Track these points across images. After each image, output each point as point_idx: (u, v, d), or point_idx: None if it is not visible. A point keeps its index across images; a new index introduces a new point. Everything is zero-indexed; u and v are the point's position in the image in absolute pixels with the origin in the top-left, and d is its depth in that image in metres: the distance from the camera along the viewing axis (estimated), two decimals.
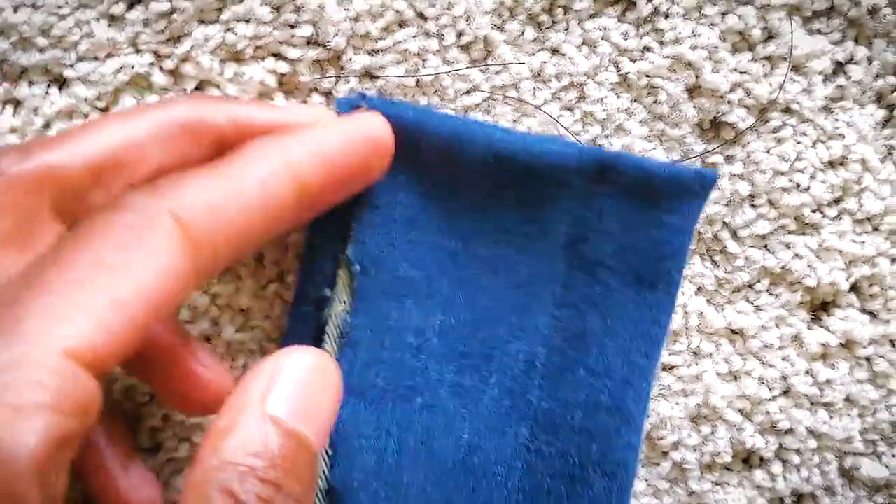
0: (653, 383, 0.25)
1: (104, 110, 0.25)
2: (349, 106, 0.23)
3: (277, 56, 0.25)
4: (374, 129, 0.22)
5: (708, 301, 0.27)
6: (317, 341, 0.24)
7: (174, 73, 0.25)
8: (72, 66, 0.24)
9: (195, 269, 0.17)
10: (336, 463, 0.23)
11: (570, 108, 0.26)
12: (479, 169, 0.24)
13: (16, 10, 0.24)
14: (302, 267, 0.24)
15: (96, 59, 0.24)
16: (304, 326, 0.24)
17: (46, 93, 0.24)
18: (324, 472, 0.23)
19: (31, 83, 0.24)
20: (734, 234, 0.27)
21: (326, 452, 0.23)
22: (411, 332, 0.24)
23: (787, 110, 0.26)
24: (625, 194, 0.24)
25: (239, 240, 0.18)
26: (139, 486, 0.23)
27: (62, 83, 0.25)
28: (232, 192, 0.18)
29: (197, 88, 0.25)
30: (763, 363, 0.27)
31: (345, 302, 0.24)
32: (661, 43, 0.26)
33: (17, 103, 0.25)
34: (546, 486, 0.25)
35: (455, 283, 0.25)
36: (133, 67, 0.24)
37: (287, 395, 0.18)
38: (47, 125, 0.24)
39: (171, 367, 0.22)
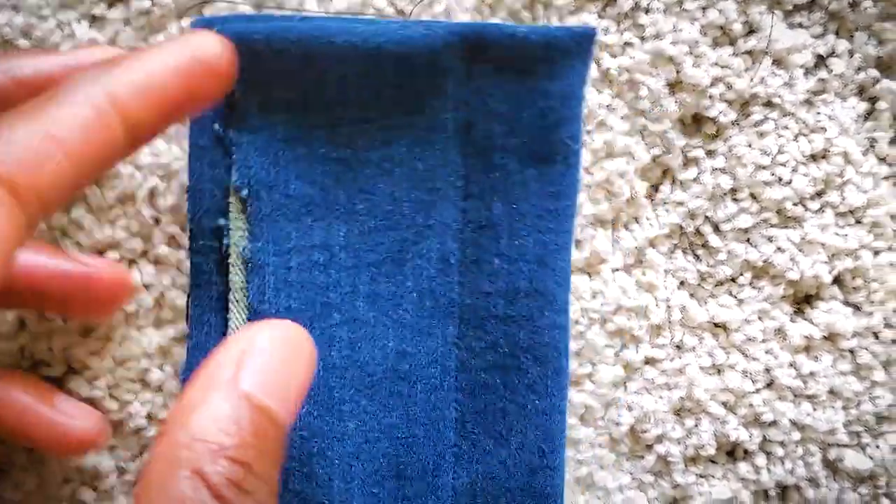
0: (570, 262, 0.25)
1: None
2: (204, 27, 0.22)
3: None
4: (203, 48, 0.19)
5: (691, 295, 0.27)
6: (222, 272, 0.24)
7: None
8: None
9: (26, 224, 0.16)
10: None
11: None
12: (352, 70, 0.23)
13: None
14: (190, 200, 0.24)
15: None
16: (206, 260, 0.24)
17: None
18: None
19: None
20: (716, 228, 0.27)
21: None
22: (316, 249, 0.24)
23: (769, 104, 0.26)
24: (501, 69, 0.23)
25: (67, 185, 0.17)
26: (72, 416, 0.24)
27: None
28: (54, 137, 0.17)
29: None
30: (746, 356, 0.27)
31: (242, 228, 0.24)
32: (642, 38, 0.26)
33: None
34: (482, 381, 0.25)
35: (352, 192, 0.24)
36: None
37: (259, 370, 0.17)
38: None
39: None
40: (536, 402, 0.25)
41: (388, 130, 0.24)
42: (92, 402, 0.25)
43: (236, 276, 0.24)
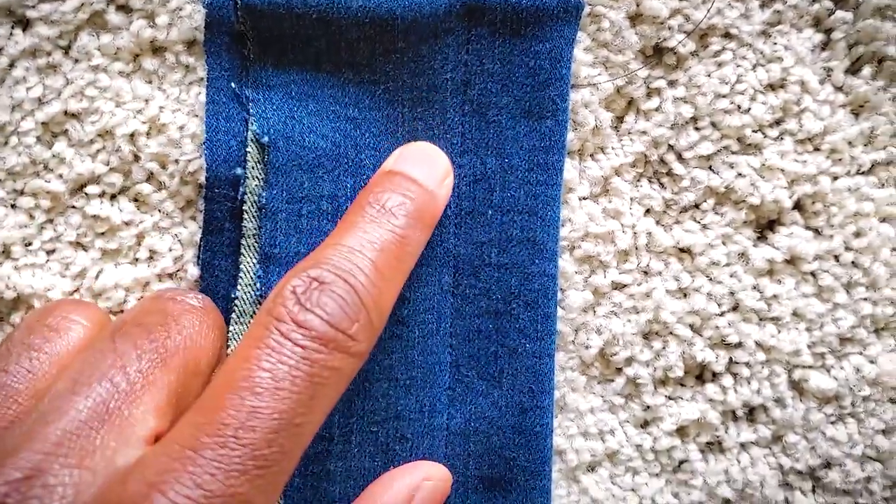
0: (559, 213, 0.26)
1: (66, 49, 0.26)
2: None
3: None
4: None
5: (657, 222, 0.28)
6: (234, 220, 0.25)
7: (125, 9, 0.26)
8: (34, 6, 0.25)
9: None
10: None
11: None
12: (364, 34, 0.25)
13: None
14: (207, 151, 0.25)
15: None
16: (219, 207, 0.26)
17: (11, 33, 0.25)
18: None
19: None
20: (679, 157, 0.28)
21: None
22: (325, 199, 0.26)
23: (727, 35, 0.27)
24: (497, 31, 0.26)
25: None
26: None
27: (25, 24, 0.26)
28: None
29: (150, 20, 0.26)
30: (711, 280, 0.28)
31: (258, 177, 0.25)
32: None
33: None
34: (475, 326, 0.26)
35: (359, 148, 0.26)
36: (92, 5, 0.25)
37: None
38: (12, 64, 0.25)
39: None
40: (527, 345, 0.26)
41: (392, 92, 0.26)
42: None
43: (250, 223, 0.25)
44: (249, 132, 0.25)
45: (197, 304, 0.23)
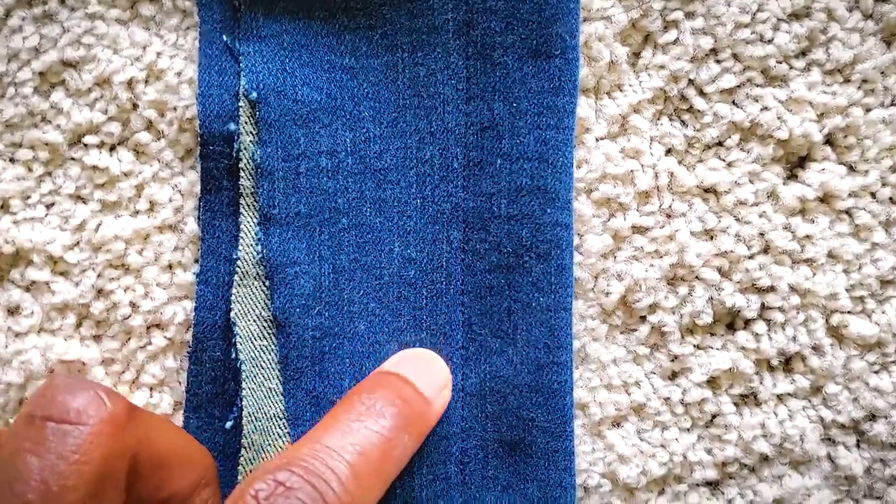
0: (572, 156, 0.25)
1: None
2: None
3: None
4: None
5: (679, 161, 0.26)
6: (232, 178, 0.24)
7: None
8: None
9: None
10: (275, 294, 0.24)
11: None
12: None
13: None
14: (200, 106, 0.24)
15: None
16: (216, 165, 0.25)
17: None
18: (266, 303, 0.24)
19: None
20: (700, 91, 0.26)
21: (263, 283, 0.24)
22: (324, 155, 0.24)
23: None
24: None
25: None
26: None
27: None
28: None
29: None
30: (739, 220, 0.26)
31: (251, 133, 0.24)
32: None
33: None
34: (487, 283, 0.25)
35: (357, 99, 0.25)
36: None
37: None
38: (8, 13, 0.25)
39: None
40: (540, 299, 0.25)
41: (390, 37, 0.25)
42: (79, 303, 0.25)
43: (247, 181, 0.24)
44: (240, 87, 0.24)
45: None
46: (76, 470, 0.17)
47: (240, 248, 0.24)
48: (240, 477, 0.24)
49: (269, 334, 0.24)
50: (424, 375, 0.23)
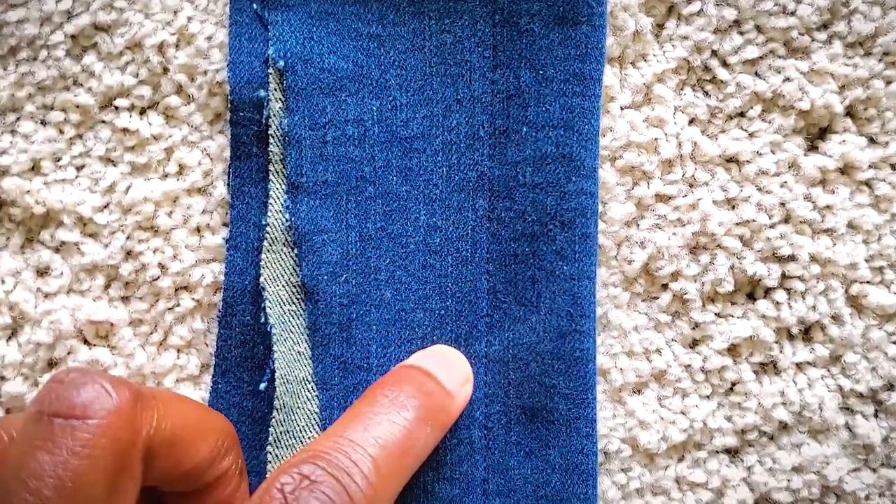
0: (598, 125, 0.25)
1: None
2: None
3: None
4: None
5: (702, 131, 0.26)
6: (261, 145, 0.25)
7: None
8: None
9: None
10: (303, 261, 0.24)
11: None
12: None
13: None
14: (231, 73, 0.25)
15: None
16: (246, 131, 0.25)
17: None
18: (294, 270, 0.24)
19: None
20: (723, 62, 0.26)
21: (293, 250, 0.24)
22: (350, 123, 0.25)
23: None
24: None
25: None
26: None
27: None
28: None
29: None
30: (760, 190, 0.26)
31: (281, 101, 0.24)
32: None
33: None
34: (511, 251, 0.25)
35: (385, 68, 0.25)
36: None
37: None
38: None
39: None
40: (564, 267, 0.25)
41: (417, 4, 0.25)
42: (108, 264, 0.25)
43: (276, 148, 0.24)
44: (269, 55, 0.25)
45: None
46: (89, 465, 0.17)
47: (269, 214, 0.25)
48: (270, 438, 0.24)
49: (297, 300, 0.24)
50: (446, 369, 0.23)
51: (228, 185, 0.25)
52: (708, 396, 0.26)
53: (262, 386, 0.25)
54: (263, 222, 0.25)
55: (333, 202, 0.25)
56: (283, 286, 0.24)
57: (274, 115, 0.25)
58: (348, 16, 0.25)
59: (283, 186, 0.25)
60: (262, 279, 0.24)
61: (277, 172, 0.25)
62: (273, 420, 0.24)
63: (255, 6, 0.25)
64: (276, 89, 0.25)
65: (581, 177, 0.25)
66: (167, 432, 0.19)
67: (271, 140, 0.25)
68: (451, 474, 0.25)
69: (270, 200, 0.25)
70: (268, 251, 0.25)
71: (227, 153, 0.25)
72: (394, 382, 0.22)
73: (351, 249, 0.25)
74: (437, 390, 0.22)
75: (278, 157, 0.25)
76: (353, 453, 0.19)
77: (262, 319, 0.24)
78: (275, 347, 0.24)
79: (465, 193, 0.25)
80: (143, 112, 0.26)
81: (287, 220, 0.24)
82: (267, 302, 0.24)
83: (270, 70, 0.25)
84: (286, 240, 0.25)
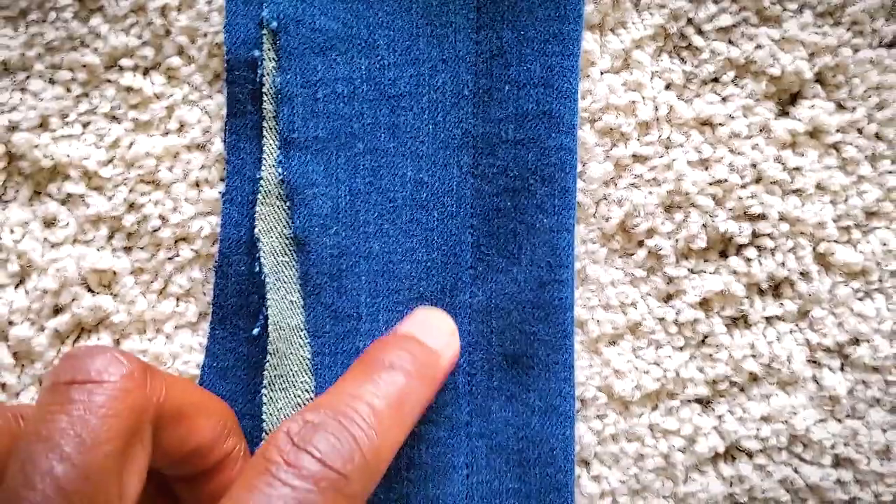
0: (577, 83, 0.26)
1: None
2: None
3: None
4: None
5: (677, 95, 0.28)
6: (256, 103, 0.26)
7: None
8: None
9: None
10: (295, 214, 0.25)
11: None
12: None
13: None
14: (227, 34, 0.26)
15: None
16: (241, 90, 0.26)
17: None
18: (287, 222, 0.25)
19: None
20: (698, 30, 0.28)
21: (286, 203, 0.25)
22: (340, 81, 0.26)
23: None
24: None
25: None
26: None
27: None
28: None
29: None
30: (733, 151, 0.28)
31: (274, 60, 0.26)
32: None
33: None
34: (494, 205, 0.26)
35: (373, 28, 0.26)
36: None
37: None
38: None
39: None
40: (544, 220, 0.26)
41: None
42: (112, 216, 0.27)
43: (269, 105, 0.26)
44: (263, 16, 0.26)
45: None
46: (106, 424, 0.18)
47: (262, 169, 0.26)
48: (265, 381, 0.25)
49: (290, 251, 0.26)
50: (429, 330, 0.25)
51: (224, 141, 0.27)
52: (681, 348, 0.28)
53: (256, 331, 0.26)
54: (258, 176, 0.26)
55: (324, 157, 0.26)
56: (276, 238, 0.26)
57: (267, 73, 0.26)
58: None
59: (277, 142, 0.26)
60: (256, 231, 0.26)
61: (271, 129, 0.26)
62: (267, 364, 0.25)
63: None
64: (269, 49, 0.26)
65: (560, 133, 0.26)
66: (174, 406, 0.21)
67: (265, 98, 0.26)
68: (436, 417, 0.26)
69: (264, 156, 0.26)
70: (262, 204, 0.26)
71: (225, 111, 0.27)
72: (382, 348, 0.23)
73: (341, 203, 0.26)
74: (423, 351, 0.24)
75: (272, 114, 0.26)
76: (353, 402, 0.21)
77: (257, 269, 0.26)
78: (268, 296, 0.25)
79: (451, 150, 0.27)
80: (146, 72, 0.27)
81: (280, 175, 0.26)
82: (261, 253, 0.26)
83: (264, 31, 0.26)
84: (279, 193, 0.26)
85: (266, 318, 0.26)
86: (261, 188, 0.26)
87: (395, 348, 0.23)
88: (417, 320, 0.25)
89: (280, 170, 0.26)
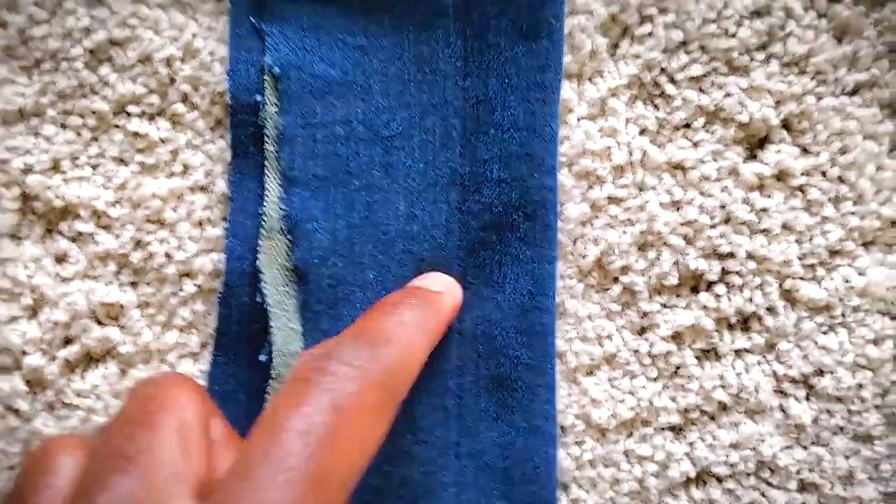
0: (557, 128, 0.28)
1: None
2: None
3: None
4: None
5: (651, 140, 0.29)
6: (258, 144, 0.28)
7: None
8: None
9: None
10: (296, 246, 0.27)
11: None
12: None
13: None
14: (230, 80, 0.28)
15: None
16: (244, 132, 0.28)
17: None
18: (288, 255, 0.27)
19: None
20: (671, 79, 0.29)
21: (287, 237, 0.27)
22: (338, 124, 0.28)
23: None
24: None
25: None
26: None
27: None
28: None
29: None
30: (703, 193, 0.29)
31: (274, 104, 0.27)
32: None
33: None
34: (480, 239, 0.28)
35: (368, 75, 0.28)
36: None
37: None
38: None
39: None
40: (527, 251, 0.28)
41: (398, 19, 0.28)
42: (120, 253, 0.29)
43: (271, 147, 0.28)
44: (265, 63, 0.28)
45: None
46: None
47: (265, 205, 0.28)
48: (267, 404, 0.27)
49: (290, 282, 0.27)
50: (428, 280, 0.27)
51: (229, 180, 0.29)
52: (654, 378, 0.29)
53: (263, 358, 0.28)
54: (260, 212, 0.28)
55: (323, 194, 0.28)
56: (277, 269, 0.28)
57: (269, 117, 0.28)
58: (337, 28, 0.28)
59: (278, 180, 0.28)
60: (258, 263, 0.28)
61: (272, 168, 0.28)
62: (269, 388, 0.27)
63: (252, 19, 0.28)
64: (271, 94, 0.28)
65: (542, 173, 0.28)
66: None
67: (266, 139, 0.28)
68: (427, 438, 0.28)
69: (266, 193, 0.28)
70: (264, 238, 0.28)
71: (227, 155, 0.29)
72: (387, 299, 0.25)
73: (338, 236, 0.28)
74: (428, 293, 0.26)
75: (273, 155, 0.28)
76: (365, 323, 0.23)
77: (259, 299, 0.27)
78: (271, 324, 0.27)
79: (440, 187, 0.28)
80: (152, 118, 0.29)
81: (282, 211, 0.27)
82: (264, 284, 0.27)
83: (266, 77, 0.28)
84: (281, 228, 0.28)
85: (271, 344, 0.27)
86: (263, 223, 0.28)
87: (398, 296, 0.25)
88: (422, 278, 0.28)
89: (282, 206, 0.27)
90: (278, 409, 0.19)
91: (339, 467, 0.19)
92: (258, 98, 0.28)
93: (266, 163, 0.28)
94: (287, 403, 0.19)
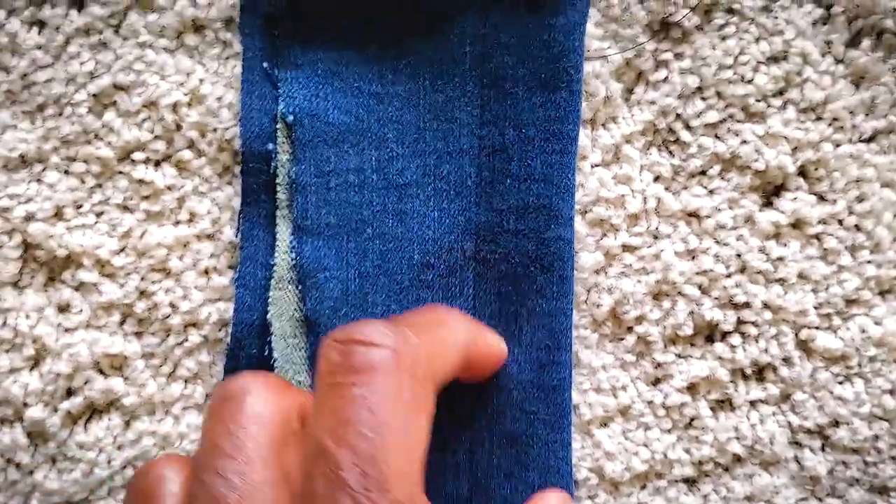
0: (574, 180, 0.28)
1: (116, 27, 0.28)
2: None
3: None
4: None
5: (665, 188, 0.29)
6: (269, 192, 0.27)
7: None
8: None
9: None
10: (307, 296, 0.26)
11: None
12: (385, 11, 0.27)
13: None
14: (242, 127, 0.27)
15: None
16: (255, 180, 0.28)
17: (66, 13, 0.28)
18: (299, 305, 0.26)
19: (52, 5, 0.28)
20: (686, 125, 0.29)
21: (297, 287, 0.26)
22: (351, 172, 0.27)
23: (730, 10, 0.29)
24: (513, 5, 0.27)
25: None
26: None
27: (80, 5, 0.28)
28: None
29: None
30: (718, 242, 0.29)
31: (287, 152, 0.27)
32: None
33: (41, 24, 0.28)
34: (496, 289, 0.28)
35: (383, 122, 0.28)
36: None
37: None
38: (67, 41, 0.28)
39: None
40: (543, 305, 0.27)
41: (414, 66, 0.28)
42: (124, 302, 0.28)
43: (283, 195, 0.27)
44: (278, 111, 0.27)
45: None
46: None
47: (276, 255, 0.27)
48: None
49: (300, 333, 0.27)
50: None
51: (238, 229, 0.28)
52: (668, 430, 0.29)
53: None
54: (271, 262, 0.27)
55: (335, 243, 0.27)
56: (287, 321, 0.27)
57: (282, 165, 0.27)
58: (351, 75, 0.28)
59: (289, 229, 0.27)
60: (269, 315, 0.27)
61: (284, 217, 0.27)
62: None
63: (265, 66, 0.28)
64: (283, 142, 0.27)
65: (559, 225, 0.27)
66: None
67: (278, 187, 0.27)
68: (438, 493, 0.27)
69: (277, 242, 0.27)
70: (275, 289, 0.27)
71: (234, 202, 0.28)
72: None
73: (350, 286, 0.27)
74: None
75: (285, 203, 0.27)
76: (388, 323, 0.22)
77: (267, 353, 0.27)
78: None
79: (454, 236, 0.28)
80: (157, 165, 0.29)
81: (293, 260, 0.27)
82: (273, 336, 0.27)
83: (279, 124, 0.27)
84: (291, 278, 0.27)
85: None
86: (274, 274, 0.27)
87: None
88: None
89: (293, 255, 0.27)
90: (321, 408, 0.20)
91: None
92: (270, 146, 0.27)
93: (277, 211, 0.27)
94: (320, 398, 0.20)
